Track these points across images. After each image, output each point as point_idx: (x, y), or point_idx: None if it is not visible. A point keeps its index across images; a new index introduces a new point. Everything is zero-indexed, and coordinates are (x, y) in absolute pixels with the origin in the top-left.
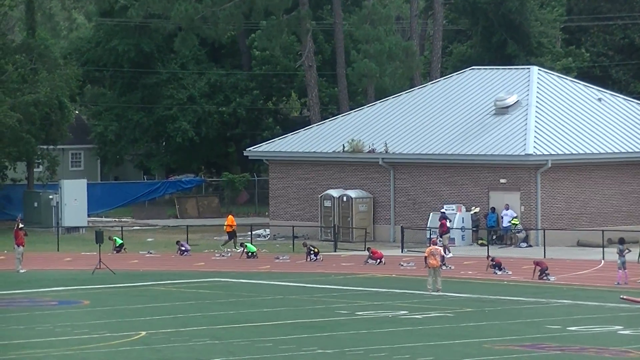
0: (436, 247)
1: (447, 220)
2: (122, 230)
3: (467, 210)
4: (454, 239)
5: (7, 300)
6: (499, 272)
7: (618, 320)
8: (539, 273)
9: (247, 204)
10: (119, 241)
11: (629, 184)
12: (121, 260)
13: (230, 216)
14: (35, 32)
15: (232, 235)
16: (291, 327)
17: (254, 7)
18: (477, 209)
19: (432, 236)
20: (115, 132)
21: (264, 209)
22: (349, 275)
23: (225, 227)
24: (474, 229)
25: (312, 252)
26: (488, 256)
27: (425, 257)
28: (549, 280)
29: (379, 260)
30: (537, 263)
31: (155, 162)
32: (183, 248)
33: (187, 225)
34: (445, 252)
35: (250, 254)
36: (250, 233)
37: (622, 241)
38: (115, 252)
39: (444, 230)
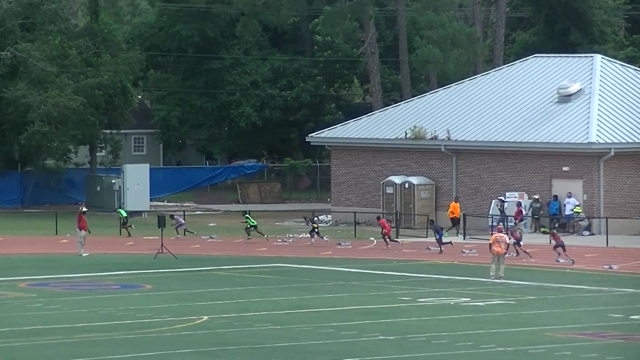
0: (501, 234)
1: (523, 208)
2: (184, 214)
3: (528, 198)
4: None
5: (69, 283)
6: (561, 261)
7: None
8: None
9: (309, 190)
10: (124, 214)
11: None
12: (183, 245)
13: (453, 203)
14: (98, 17)
15: (455, 222)
16: (353, 313)
17: None
18: (537, 196)
19: (496, 224)
20: (178, 117)
21: (325, 195)
22: (410, 262)
23: (449, 213)
24: (536, 216)
25: (315, 230)
26: (552, 242)
27: (490, 244)
28: (612, 268)
29: (384, 232)
30: (555, 240)
31: (217, 146)
32: (178, 222)
33: (249, 211)
34: (519, 240)
35: (250, 227)
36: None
37: None
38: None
39: (519, 218)
